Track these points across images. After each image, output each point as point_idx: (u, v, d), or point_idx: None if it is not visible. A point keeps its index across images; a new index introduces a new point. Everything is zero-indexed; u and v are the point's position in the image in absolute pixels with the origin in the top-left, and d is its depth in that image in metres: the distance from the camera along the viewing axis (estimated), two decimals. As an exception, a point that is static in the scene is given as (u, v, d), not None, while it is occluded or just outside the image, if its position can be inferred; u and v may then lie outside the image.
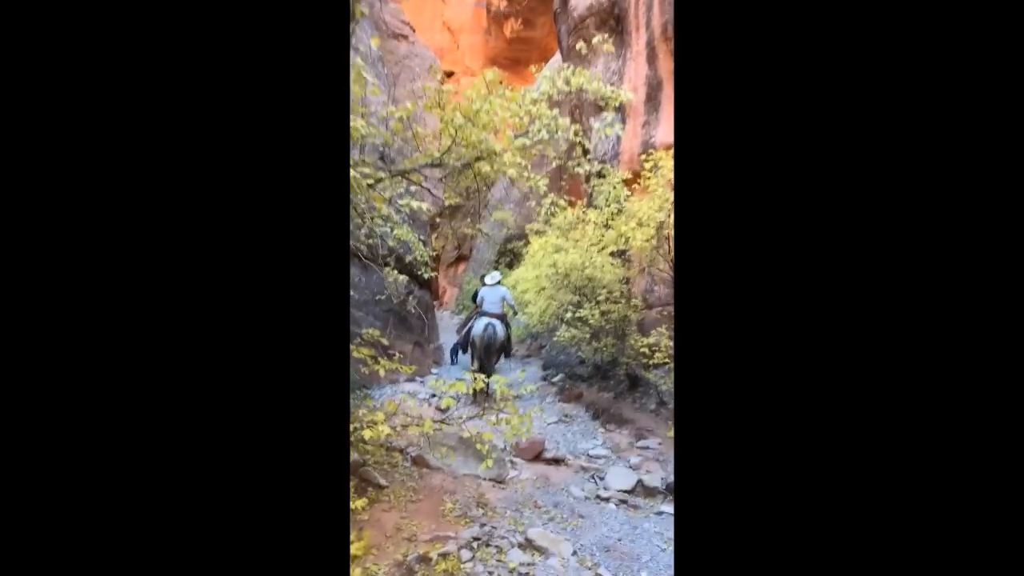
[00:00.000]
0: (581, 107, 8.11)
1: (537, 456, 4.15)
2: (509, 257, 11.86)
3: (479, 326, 5.96)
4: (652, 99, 6.92)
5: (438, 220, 14.43)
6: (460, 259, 16.24)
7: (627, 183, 6.13)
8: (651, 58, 6.96)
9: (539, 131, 3.15)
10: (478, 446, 2.59)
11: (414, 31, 12.85)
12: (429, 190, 3.49)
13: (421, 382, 6.23)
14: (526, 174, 3.00)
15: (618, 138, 6.78)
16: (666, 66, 6.78)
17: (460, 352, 7.78)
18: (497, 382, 2.84)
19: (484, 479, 3.53)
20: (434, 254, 6.32)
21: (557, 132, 3.02)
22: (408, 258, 5.36)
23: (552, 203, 3.13)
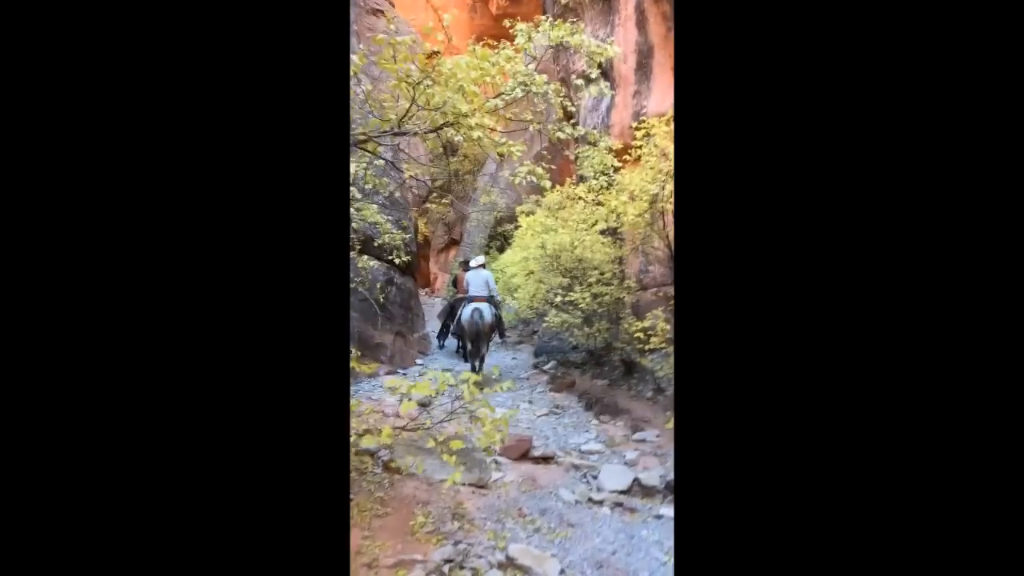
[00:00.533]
0: (568, 80, 7.64)
1: (524, 455, 3.80)
2: (500, 241, 11.40)
3: (467, 312, 5.92)
4: (643, 67, 6.48)
5: (426, 204, 13.92)
6: (452, 244, 15.78)
7: (618, 155, 5.72)
8: (640, 23, 6.52)
9: (513, 89, 2.73)
10: (444, 457, 2.22)
11: (393, 6, 12.25)
12: (392, 163, 3.07)
13: (403, 374, 5.87)
14: (497, 138, 2.59)
15: (607, 108, 6.36)
16: (657, 31, 6.33)
17: (447, 337, 7.50)
18: (468, 380, 2.46)
19: (464, 484, 3.18)
20: (408, 237, 5.93)
21: (531, 88, 2.60)
22: (377, 241, 4.94)
23: (529, 171, 2.73)
